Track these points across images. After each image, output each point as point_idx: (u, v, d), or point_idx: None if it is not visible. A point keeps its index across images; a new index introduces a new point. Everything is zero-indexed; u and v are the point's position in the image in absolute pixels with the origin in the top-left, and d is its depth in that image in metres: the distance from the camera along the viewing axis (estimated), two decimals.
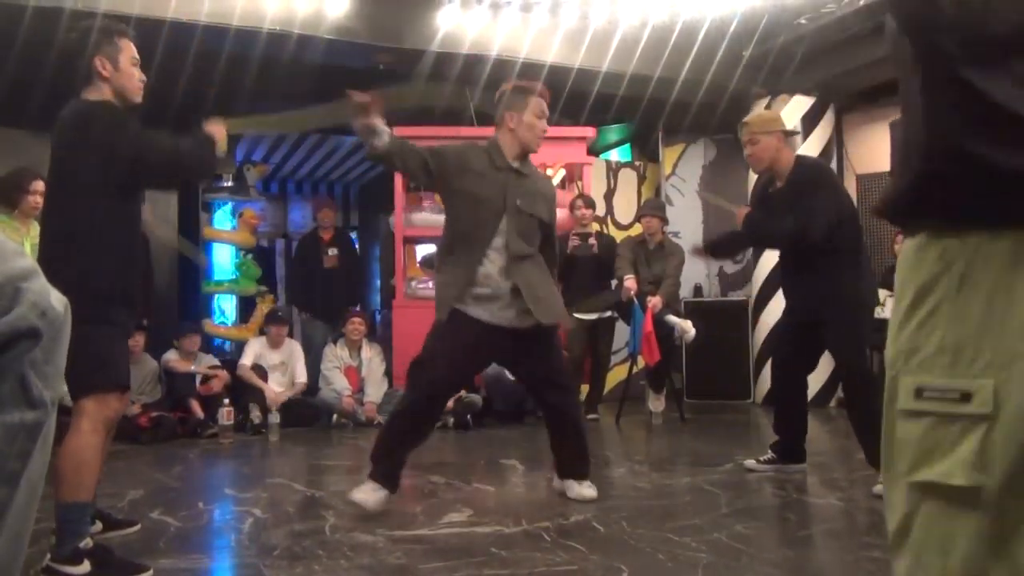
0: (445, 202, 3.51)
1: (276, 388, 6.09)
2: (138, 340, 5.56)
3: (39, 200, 4.10)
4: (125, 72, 2.66)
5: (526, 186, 3.39)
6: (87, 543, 2.49)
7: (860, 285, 3.67)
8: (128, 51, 2.68)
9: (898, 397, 0.96)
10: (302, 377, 6.28)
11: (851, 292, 3.63)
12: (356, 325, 6.30)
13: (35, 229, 4.17)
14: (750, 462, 4.08)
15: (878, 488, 3.40)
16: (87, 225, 2.54)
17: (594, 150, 8.02)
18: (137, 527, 3.06)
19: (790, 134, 3.92)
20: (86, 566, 2.43)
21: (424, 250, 6.96)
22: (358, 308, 7.11)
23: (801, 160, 3.85)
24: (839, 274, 3.63)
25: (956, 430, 0.89)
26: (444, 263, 3.44)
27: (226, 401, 5.86)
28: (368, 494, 3.22)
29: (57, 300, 0.99)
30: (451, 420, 5.82)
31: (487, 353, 3.51)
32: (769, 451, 4.07)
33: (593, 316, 6.12)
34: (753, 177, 7.05)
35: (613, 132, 8.44)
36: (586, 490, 3.46)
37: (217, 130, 2.77)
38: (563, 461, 3.55)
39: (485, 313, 3.30)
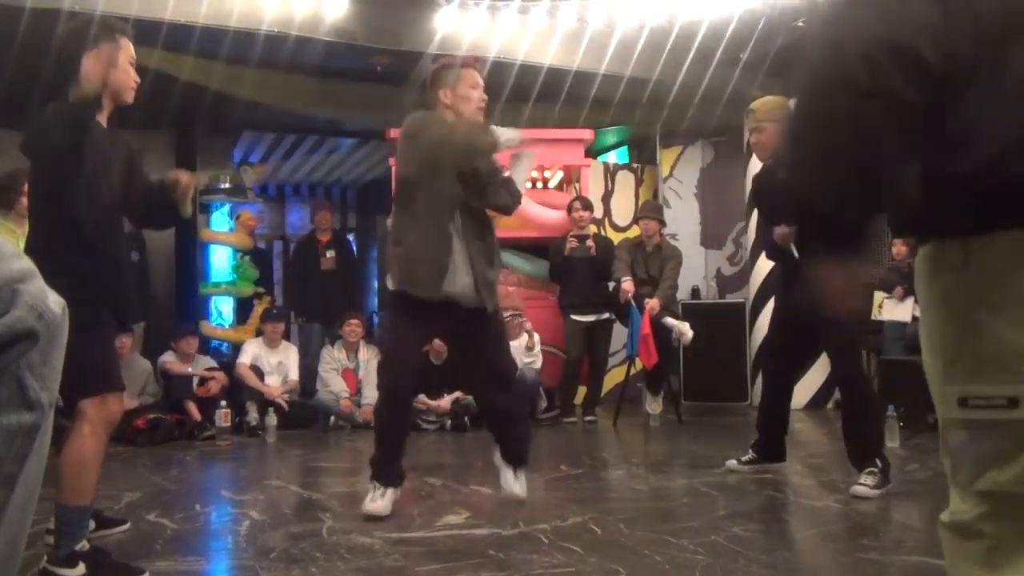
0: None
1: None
2: (125, 342, 5.50)
3: None
4: (123, 70, 2.63)
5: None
6: (83, 545, 2.49)
7: None
8: (127, 50, 2.65)
9: (944, 407, 0.93)
10: (294, 375, 6.30)
11: None
12: (353, 327, 6.30)
13: None
14: (731, 462, 4.09)
15: (855, 489, 3.47)
16: (71, 231, 2.49)
17: (592, 152, 8.02)
18: (127, 526, 3.06)
19: None
20: (81, 568, 2.42)
21: None
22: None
23: None
24: None
25: (1011, 436, 0.85)
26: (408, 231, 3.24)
27: (223, 403, 5.85)
28: (376, 503, 3.17)
29: (55, 302, 0.99)
30: (448, 422, 5.81)
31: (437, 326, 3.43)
32: (750, 451, 4.08)
33: (591, 318, 6.12)
34: (751, 179, 7.08)
35: (611, 134, 8.44)
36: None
37: (184, 178, 2.70)
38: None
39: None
